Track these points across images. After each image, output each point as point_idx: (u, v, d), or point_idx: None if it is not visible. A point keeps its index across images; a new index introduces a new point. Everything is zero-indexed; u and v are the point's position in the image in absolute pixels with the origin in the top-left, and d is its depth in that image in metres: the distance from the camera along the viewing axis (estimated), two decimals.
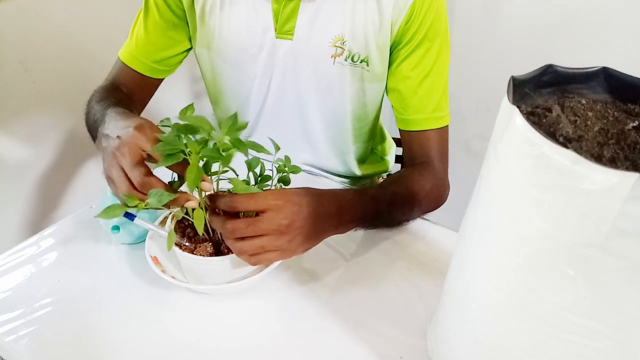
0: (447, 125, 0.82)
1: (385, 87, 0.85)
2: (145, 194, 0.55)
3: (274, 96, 0.87)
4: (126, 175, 0.56)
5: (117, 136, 0.57)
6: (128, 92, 0.85)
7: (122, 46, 0.88)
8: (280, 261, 0.60)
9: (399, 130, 0.85)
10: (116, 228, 0.66)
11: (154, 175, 0.55)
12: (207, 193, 0.60)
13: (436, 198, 0.79)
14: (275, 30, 0.79)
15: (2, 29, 1.05)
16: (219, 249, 0.61)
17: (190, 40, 0.88)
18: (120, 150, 0.56)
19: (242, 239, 0.55)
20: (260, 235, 0.55)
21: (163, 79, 0.92)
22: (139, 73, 0.87)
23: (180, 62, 0.92)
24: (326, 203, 0.61)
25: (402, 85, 0.80)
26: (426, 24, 0.75)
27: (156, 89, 0.92)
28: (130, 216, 0.62)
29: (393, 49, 0.79)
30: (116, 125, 0.60)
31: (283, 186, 0.64)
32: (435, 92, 0.80)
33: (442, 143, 0.82)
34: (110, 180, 0.58)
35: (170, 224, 0.62)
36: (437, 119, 0.81)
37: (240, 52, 0.83)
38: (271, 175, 0.64)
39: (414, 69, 0.78)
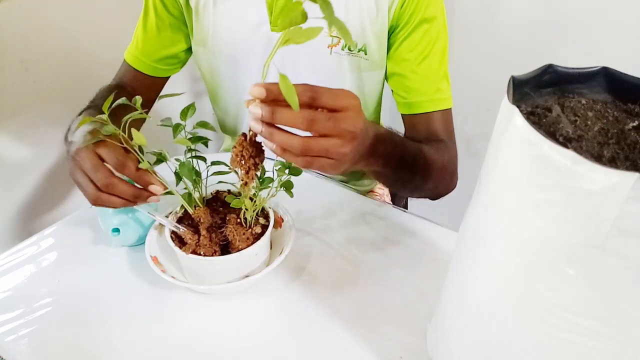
0: (451, 109, 0.82)
1: (385, 75, 0.85)
2: (112, 194, 0.58)
3: None
4: (90, 178, 0.58)
5: (75, 141, 0.60)
6: (132, 91, 0.87)
7: (121, 45, 0.90)
8: (281, 260, 0.61)
9: (402, 117, 0.85)
10: (116, 230, 0.66)
11: (116, 177, 0.58)
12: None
13: (450, 173, 0.78)
14: (270, 24, 0.79)
15: (2, 29, 1.05)
16: (220, 249, 0.61)
17: (190, 38, 0.88)
18: (79, 155, 0.59)
19: (308, 137, 0.49)
20: (326, 136, 0.49)
21: (167, 77, 0.93)
22: (141, 73, 0.88)
23: (183, 60, 0.92)
24: (369, 125, 0.55)
25: (401, 68, 0.80)
26: (422, 6, 0.76)
27: (162, 87, 0.93)
28: None
29: (390, 33, 0.80)
30: (76, 132, 0.62)
31: (285, 191, 0.64)
32: (435, 73, 0.80)
33: (448, 124, 0.82)
34: (77, 182, 0.60)
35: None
36: (439, 101, 0.80)
37: (236, 47, 0.83)
38: (272, 177, 0.64)
39: (412, 51, 0.79)
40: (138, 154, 0.60)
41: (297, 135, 0.49)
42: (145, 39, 0.86)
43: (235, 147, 0.52)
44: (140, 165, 0.59)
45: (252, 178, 0.53)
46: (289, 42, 0.44)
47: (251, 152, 0.52)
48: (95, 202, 0.60)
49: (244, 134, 0.52)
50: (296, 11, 0.42)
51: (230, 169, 0.57)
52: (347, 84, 0.83)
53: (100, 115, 0.57)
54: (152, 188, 0.60)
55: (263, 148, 0.52)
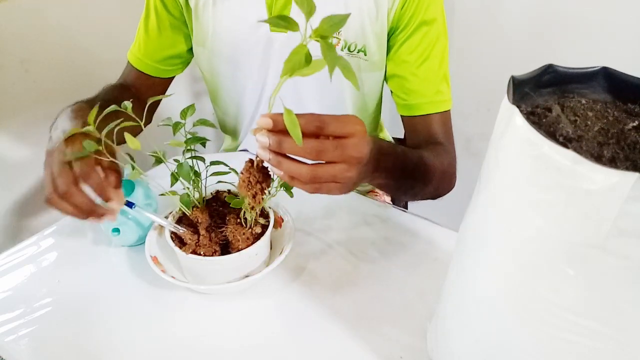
0: (449, 110, 0.82)
1: (385, 76, 0.85)
2: (66, 201, 0.56)
3: (272, 90, 0.88)
4: (53, 179, 0.57)
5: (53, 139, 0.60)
6: (136, 91, 0.87)
7: (121, 45, 0.90)
8: (281, 260, 0.61)
9: (402, 117, 0.85)
10: (116, 230, 0.66)
11: (77, 186, 0.56)
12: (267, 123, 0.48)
13: (450, 176, 0.78)
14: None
15: (2, 29, 1.05)
16: (220, 249, 0.61)
17: (191, 39, 0.88)
18: (51, 155, 0.59)
19: (315, 165, 0.50)
20: (333, 163, 0.50)
21: (171, 78, 0.93)
22: (144, 73, 0.89)
23: (186, 61, 0.92)
24: (372, 144, 0.55)
25: (401, 70, 0.80)
26: (422, 8, 0.76)
27: (166, 88, 0.93)
28: (129, 204, 0.63)
29: (390, 35, 0.80)
30: (58, 128, 0.62)
31: (285, 191, 0.64)
32: (435, 75, 0.80)
33: (447, 127, 0.82)
34: (45, 177, 0.60)
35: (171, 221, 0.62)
36: (439, 103, 0.81)
37: (235, 47, 0.83)
38: (272, 177, 0.64)
39: (412, 53, 0.79)
40: (129, 161, 0.59)
41: (304, 163, 0.49)
42: (146, 39, 0.86)
43: (242, 173, 0.53)
44: (132, 174, 0.59)
45: (260, 202, 0.54)
46: (295, 75, 0.44)
47: (258, 177, 0.53)
48: (47, 202, 0.58)
49: (251, 160, 0.53)
50: (300, 54, 0.42)
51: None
52: (346, 84, 0.83)
53: (88, 127, 0.56)
54: (110, 204, 0.58)
55: (270, 173, 0.53)
